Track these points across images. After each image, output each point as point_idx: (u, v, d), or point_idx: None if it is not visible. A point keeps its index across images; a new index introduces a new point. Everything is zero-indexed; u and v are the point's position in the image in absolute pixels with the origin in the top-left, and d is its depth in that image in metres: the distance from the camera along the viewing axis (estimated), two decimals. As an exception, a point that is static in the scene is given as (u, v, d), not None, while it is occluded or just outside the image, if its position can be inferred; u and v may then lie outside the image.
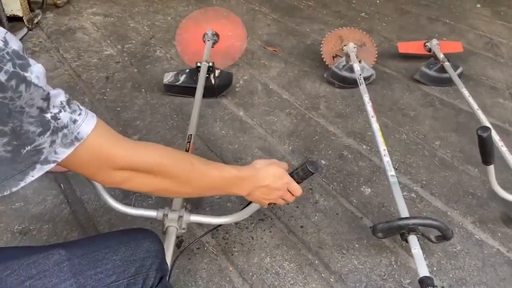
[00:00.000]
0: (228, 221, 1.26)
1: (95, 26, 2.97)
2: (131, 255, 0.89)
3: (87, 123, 0.71)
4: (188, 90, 2.14)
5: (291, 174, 1.07)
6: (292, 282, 1.35)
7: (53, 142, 0.68)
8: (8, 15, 2.68)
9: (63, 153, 0.70)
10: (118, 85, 2.31)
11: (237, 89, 2.31)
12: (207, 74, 2.10)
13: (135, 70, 2.45)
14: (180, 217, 1.23)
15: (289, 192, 1.09)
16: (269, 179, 1.02)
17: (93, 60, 2.54)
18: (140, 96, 2.22)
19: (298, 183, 1.07)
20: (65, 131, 0.69)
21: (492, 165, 1.35)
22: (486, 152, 1.30)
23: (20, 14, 2.74)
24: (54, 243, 0.92)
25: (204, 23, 2.40)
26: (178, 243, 1.45)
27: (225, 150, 1.88)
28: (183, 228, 1.24)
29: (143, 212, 1.25)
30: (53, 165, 0.70)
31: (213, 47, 2.34)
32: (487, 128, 1.25)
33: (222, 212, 1.57)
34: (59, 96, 0.70)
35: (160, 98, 2.21)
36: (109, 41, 2.76)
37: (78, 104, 0.73)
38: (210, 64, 2.10)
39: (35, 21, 2.90)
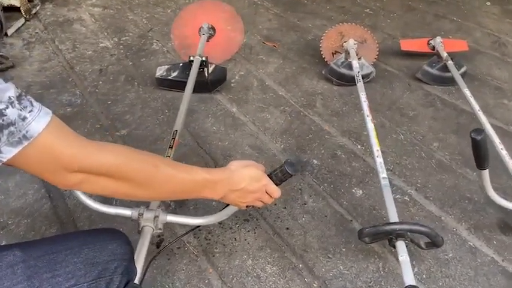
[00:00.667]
0: (205, 222, 1.22)
1: (93, 17, 2.93)
2: (94, 258, 0.84)
3: (38, 121, 0.67)
4: (180, 85, 2.09)
5: (270, 176, 1.03)
6: (273, 286, 1.30)
7: None
8: (4, 5, 2.65)
9: (9, 153, 0.65)
10: (111, 78, 2.27)
11: (232, 85, 2.25)
12: (200, 68, 2.05)
13: (130, 63, 2.41)
14: (156, 217, 1.18)
15: (268, 194, 1.04)
16: (245, 181, 0.98)
17: (88, 52, 2.50)
18: (132, 90, 2.18)
19: (277, 185, 1.03)
20: (12, 128, 0.64)
21: (487, 169, 1.28)
22: (480, 155, 1.23)
23: (17, 4, 2.71)
24: (14, 242, 0.88)
25: (201, 16, 2.34)
26: (159, 243, 1.41)
27: (215, 147, 1.83)
28: (159, 229, 1.20)
29: (118, 211, 1.21)
30: None
31: (208, 41, 2.28)
32: (481, 131, 1.18)
33: (207, 210, 1.52)
34: (8, 91, 0.65)
35: (152, 92, 2.16)
36: (106, 33, 2.72)
37: (32, 100, 0.68)
38: (204, 58, 2.05)
39: (33, 12, 2.87)
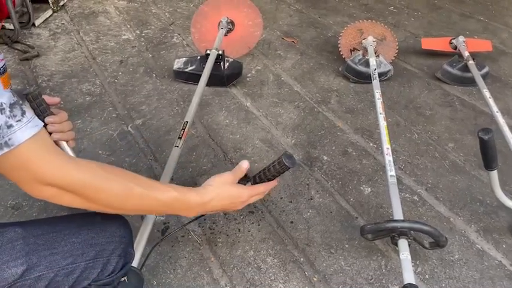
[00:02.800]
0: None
1: (117, 10, 3.00)
2: (92, 239, 0.87)
3: (23, 131, 0.68)
4: (197, 78, 2.10)
5: (267, 168, 1.02)
6: (272, 278, 1.31)
7: None
8: (33, -4, 2.74)
9: None
10: (130, 69, 2.32)
11: (247, 79, 2.26)
12: (217, 62, 2.07)
13: (150, 55, 2.46)
14: (159, 203, 1.20)
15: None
16: (223, 201, 0.96)
17: (110, 43, 2.57)
18: (150, 81, 2.22)
19: (274, 177, 1.02)
20: None
21: (495, 170, 1.25)
22: (488, 156, 1.20)
23: (45, -5, 2.80)
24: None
25: (221, 10, 2.36)
26: (164, 230, 1.44)
27: (226, 139, 1.85)
28: (162, 216, 1.22)
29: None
30: None
31: (226, 35, 2.30)
32: (489, 130, 1.15)
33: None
34: (2, 97, 0.67)
35: (169, 84, 2.20)
36: (129, 26, 2.78)
37: (27, 110, 0.70)
38: (220, 52, 2.07)
39: (61, 4, 2.96)
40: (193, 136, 1.85)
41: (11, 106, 0.68)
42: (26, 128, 0.69)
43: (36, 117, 0.72)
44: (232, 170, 1.00)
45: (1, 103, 0.67)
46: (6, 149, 0.67)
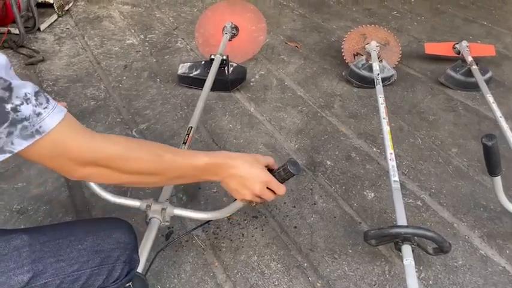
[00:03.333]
0: (211, 217, 1.24)
1: (122, 15, 3.02)
2: (98, 245, 0.87)
3: (52, 117, 0.71)
4: (201, 83, 2.11)
5: (272, 174, 1.02)
6: (276, 283, 1.31)
7: (10, 133, 0.67)
8: (39, 1, 2.76)
9: (20, 145, 0.69)
10: (135, 74, 2.33)
11: (251, 84, 2.27)
12: (221, 67, 2.08)
13: (154, 60, 2.47)
14: (164, 209, 1.21)
15: (270, 190, 1.04)
16: (246, 169, 0.97)
17: (114, 48, 2.58)
18: (154, 86, 2.23)
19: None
20: (26, 123, 0.68)
21: (499, 176, 1.25)
22: (492, 162, 1.21)
23: (51, 0, 2.82)
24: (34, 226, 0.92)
25: (225, 16, 2.38)
26: (168, 234, 1.44)
27: (229, 144, 1.85)
28: (167, 221, 1.23)
29: (127, 202, 1.24)
30: (8, 155, 0.69)
31: (230, 40, 2.31)
32: (492, 136, 1.15)
33: (216, 205, 1.54)
34: (25, 87, 0.69)
35: (173, 89, 2.21)
36: (133, 31, 2.80)
37: (49, 97, 0.73)
38: (224, 57, 2.08)
39: (66, 9, 2.98)
40: (197, 141, 1.85)
41: (36, 94, 0.70)
42: (53, 114, 0.71)
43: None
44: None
45: (25, 93, 0.68)
46: (38, 136, 0.69)
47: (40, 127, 0.69)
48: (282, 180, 1.01)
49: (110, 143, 0.81)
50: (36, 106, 0.69)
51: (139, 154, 0.84)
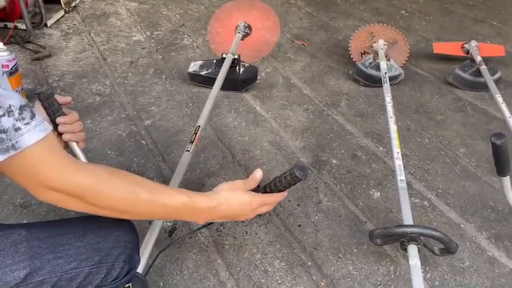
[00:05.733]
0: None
1: (128, 11, 3.01)
2: (97, 243, 0.85)
3: (31, 134, 0.68)
4: (211, 81, 2.06)
5: (278, 179, 0.99)
6: (279, 281, 1.30)
7: None
8: (46, -3, 2.77)
9: None
10: (140, 70, 2.33)
11: (257, 81, 2.25)
12: (232, 66, 2.06)
13: (160, 57, 2.46)
14: (166, 210, 1.20)
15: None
16: (233, 208, 0.93)
17: (121, 44, 2.58)
18: (160, 83, 2.23)
19: (285, 188, 0.99)
20: (3, 135, 0.66)
21: (508, 176, 1.23)
22: (501, 161, 1.18)
23: (57, -4, 2.83)
24: (42, 220, 0.91)
25: (239, 14, 2.34)
26: (171, 231, 1.43)
27: (235, 141, 1.84)
28: (169, 221, 1.21)
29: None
30: None
31: (243, 39, 2.28)
32: (501, 135, 1.13)
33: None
34: (11, 99, 0.67)
35: (179, 86, 2.20)
36: (139, 27, 2.79)
37: (35, 113, 0.70)
38: (236, 56, 2.06)
39: (73, 5, 2.98)
40: (202, 138, 1.84)
41: (21, 108, 0.67)
42: (34, 132, 0.68)
43: (45, 121, 0.71)
44: (245, 179, 0.97)
45: (10, 105, 0.66)
46: (13, 152, 0.66)
47: (16, 142, 0.66)
48: (288, 185, 0.98)
49: (83, 173, 0.75)
50: (17, 120, 0.66)
51: (110, 190, 0.78)
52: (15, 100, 0.67)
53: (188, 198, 0.87)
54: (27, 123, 0.67)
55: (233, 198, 0.92)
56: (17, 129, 0.66)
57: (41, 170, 0.70)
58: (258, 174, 0.96)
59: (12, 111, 0.66)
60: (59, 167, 0.72)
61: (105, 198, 0.77)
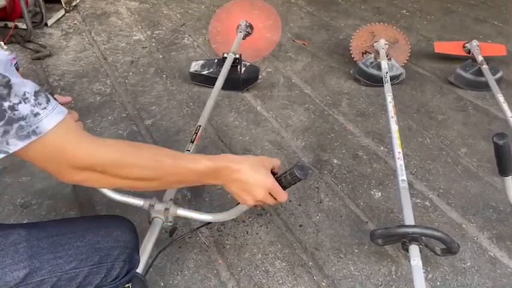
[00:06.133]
0: (215, 219, 1.22)
1: (129, 11, 3.01)
2: (97, 243, 0.86)
3: (50, 118, 0.68)
4: (213, 81, 2.04)
5: (278, 178, 0.99)
6: (280, 281, 1.29)
7: (5, 132, 0.65)
8: (46, -4, 2.76)
9: (15, 145, 0.67)
10: (141, 70, 2.32)
11: (258, 81, 2.25)
12: (233, 66, 2.05)
13: (160, 56, 2.46)
14: (167, 209, 1.20)
15: (272, 196, 0.99)
16: (250, 175, 0.93)
17: (121, 44, 2.57)
18: (160, 82, 2.22)
19: (285, 188, 0.98)
20: (22, 122, 0.66)
21: (510, 176, 1.23)
22: (503, 161, 1.18)
23: (58, -5, 2.82)
24: (43, 220, 0.91)
25: (240, 14, 2.33)
26: (172, 230, 1.42)
27: (235, 141, 1.84)
28: (170, 221, 1.21)
29: (130, 200, 1.22)
30: (3, 155, 0.67)
31: (244, 38, 2.27)
32: (504, 135, 1.13)
33: (221, 203, 1.53)
34: (25, 86, 0.68)
35: (179, 85, 2.20)
36: (140, 27, 2.79)
37: (50, 97, 0.70)
38: (237, 56, 2.05)
39: (73, 4, 2.98)
40: (203, 137, 1.84)
41: (36, 94, 0.68)
42: (52, 115, 0.69)
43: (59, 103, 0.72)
44: (271, 158, 1.00)
45: (24, 92, 0.66)
46: (34, 137, 0.67)
47: (37, 127, 0.67)
48: (288, 185, 0.97)
49: (108, 148, 0.78)
50: (34, 106, 0.67)
51: (136, 160, 0.81)
52: (29, 87, 0.68)
53: (208, 160, 0.90)
54: (45, 108, 0.68)
55: (253, 167, 0.94)
56: (36, 115, 0.67)
57: (67, 151, 0.72)
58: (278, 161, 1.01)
59: (27, 98, 0.67)
60: (84, 146, 0.74)
61: (133, 170, 0.80)
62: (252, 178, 0.93)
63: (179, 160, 0.87)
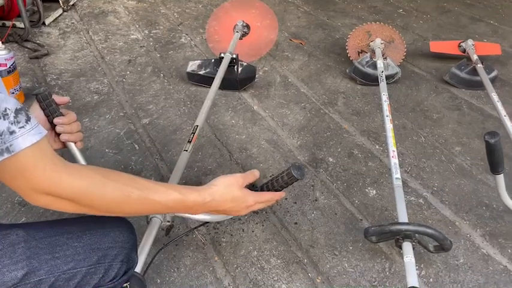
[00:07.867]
0: (212, 219, 1.24)
1: (127, 10, 3.02)
2: (95, 243, 0.86)
3: (25, 138, 0.68)
4: (210, 81, 2.05)
5: (275, 178, 1.00)
6: (275, 278, 1.31)
7: None
8: (44, -5, 2.77)
9: None
10: (138, 69, 2.34)
11: (255, 80, 2.26)
12: (230, 66, 2.06)
13: (158, 55, 2.47)
14: (164, 210, 1.20)
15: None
16: (227, 204, 0.93)
17: (119, 43, 2.58)
18: (158, 81, 2.23)
19: (282, 188, 0.99)
20: None
21: (501, 174, 1.24)
22: (495, 159, 1.20)
23: (55, -5, 2.83)
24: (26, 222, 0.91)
25: (237, 13, 2.34)
26: (168, 229, 1.44)
27: (232, 139, 1.85)
28: (168, 221, 1.22)
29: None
30: None
31: (241, 39, 2.28)
32: (495, 134, 1.15)
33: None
34: (7, 102, 0.67)
35: (176, 84, 2.21)
36: (137, 26, 2.80)
37: (31, 117, 0.70)
38: (234, 56, 2.06)
39: (71, 3, 2.99)
40: (200, 136, 1.85)
41: (16, 112, 0.68)
42: (28, 135, 0.68)
43: (40, 125, 0.72)
44: (244, 173, 0.97)
45: (5, 108, 0.66)
46: (6, 155, 0.66)
47: (11, 145, 0.66)
48: (285, 185, 0.98)
49: (76, 178, 0.75)
50: (12, 123, 0.67)
51: (105, 192, 0.78)
52: (11, 103, 0.67)
53: (180, 195, 0.87)
54: (22, 127, 0.67)
55: (227, 194, 0.92)
56: (11, 133, 0.66)
57: (33, 174, 0.70)
58: (256, 172, 0.98)
59: (7, 114, 0.66)
60: (51, 171, 0.72)
61: (98, 200, 0.77)
62: (237, 207, 0.94)
63: (147, 191, 0.83)
